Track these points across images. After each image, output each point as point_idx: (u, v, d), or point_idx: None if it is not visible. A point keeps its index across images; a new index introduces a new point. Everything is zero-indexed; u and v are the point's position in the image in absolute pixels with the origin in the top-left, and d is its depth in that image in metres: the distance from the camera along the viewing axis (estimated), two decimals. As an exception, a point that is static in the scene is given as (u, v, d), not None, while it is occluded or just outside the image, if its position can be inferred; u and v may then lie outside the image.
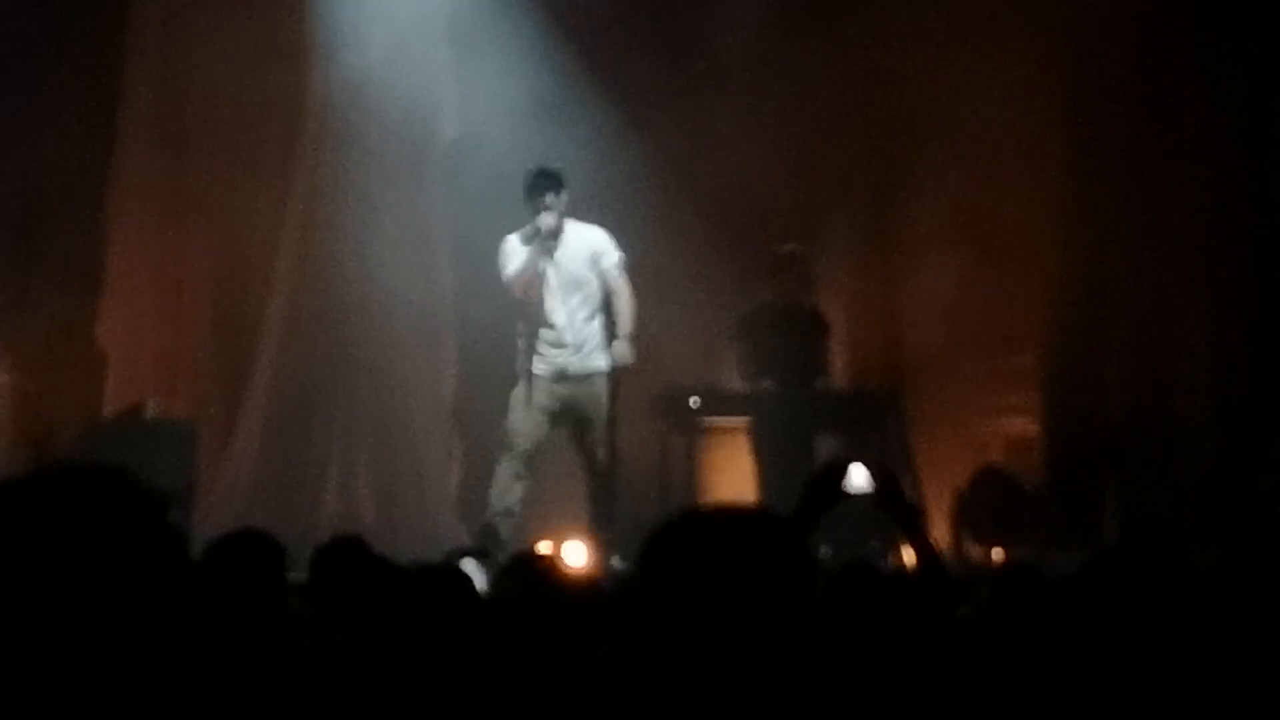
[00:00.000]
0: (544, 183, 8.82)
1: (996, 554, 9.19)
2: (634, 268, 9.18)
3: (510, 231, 9.02)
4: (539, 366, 8.95)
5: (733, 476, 9.86)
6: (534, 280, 8.86)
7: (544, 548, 8.58)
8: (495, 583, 4.87)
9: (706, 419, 9.89)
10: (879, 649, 3.56)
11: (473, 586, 4.66)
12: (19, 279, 10.69)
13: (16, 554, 2.38)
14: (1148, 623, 3.68)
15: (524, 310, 8.97)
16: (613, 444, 8.93)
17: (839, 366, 10.41)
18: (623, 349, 8.86)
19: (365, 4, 10.53)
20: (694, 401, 9.79)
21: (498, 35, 10.56)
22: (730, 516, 2.54)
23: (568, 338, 8.93)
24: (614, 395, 8.93)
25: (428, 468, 10.67)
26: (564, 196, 8.84)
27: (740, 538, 2.46)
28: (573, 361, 8.93)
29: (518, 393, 8.97)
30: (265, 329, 10.74)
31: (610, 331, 8.98)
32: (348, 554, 4.95)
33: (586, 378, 8.94)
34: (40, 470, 2.54)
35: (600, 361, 8.95)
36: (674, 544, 2.48)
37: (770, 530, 2.49)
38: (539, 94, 10.42)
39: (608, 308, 9.00)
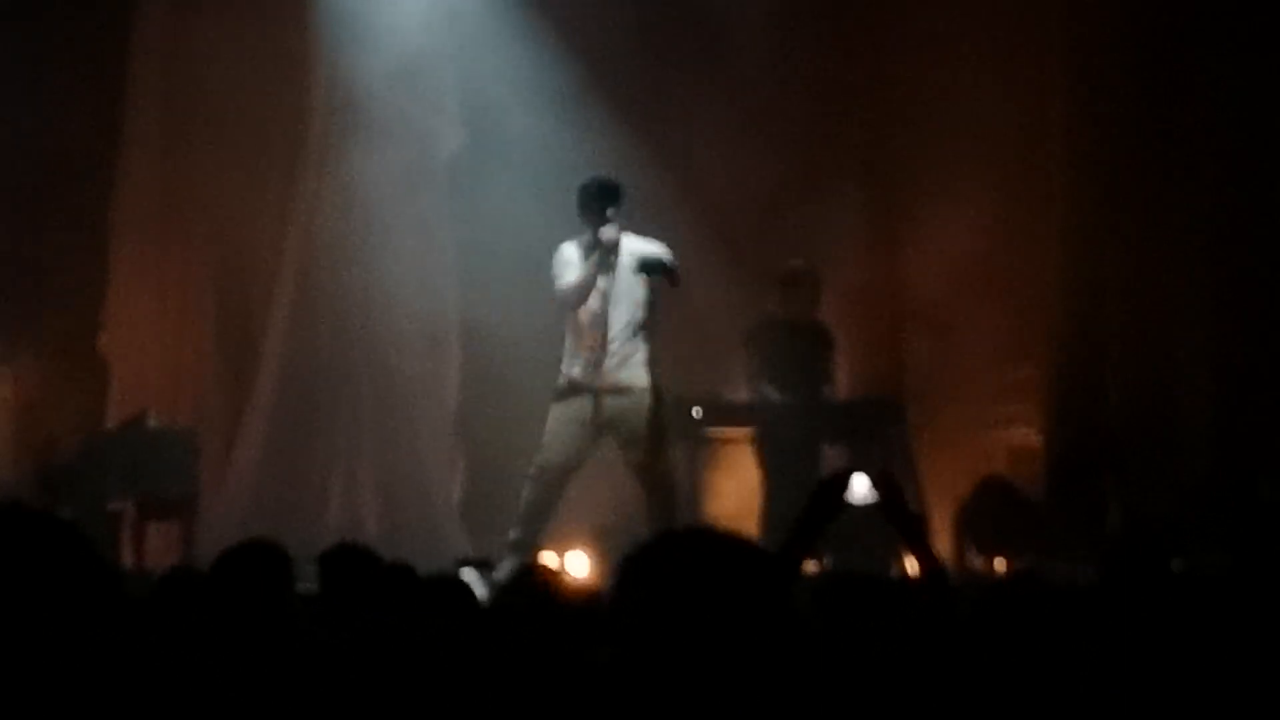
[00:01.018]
0: (606, 195, 8.72)
1: (999, 564, 9.18)
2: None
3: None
4: (581, 378, 8.78)
5: (736, 487, 9.84)
6: (589, 293, 8.73)
7: (548, 558, 8.59)
8: (497, 594, 4.88)
9: (710, 429, 9.88)
10: (880, 658, 3.58)
11: (473, 596, 4.68)
12: (22, 288, 10.71)
13: None
14: (1150, 628, 3.70)
15: (573, 323, 8.80)
16: (665, 457, 8.85)
17: (843, 377, 10.40)
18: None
19: (370, 10, 10.54)
20: (697, 412, 9.78)
21: (503, 42, 10.58)
22: (702, 540, 2.56)
23: (614, 349, 8.76)
24: (658, 408, 8.84)
25: (431, 476, 10.67)
26: (623, 209, 8.74)
27: (710, 562, 2.48)
28: (618, 375, 8.76)
29: (559, 406, 8.80)
30: (268, 337, 10.76)
31: (651, 346, 8.88)
32: (353, 559, 4.98)
33: (628, 390, 8.79)
34: None
35: (642, 375, 8.80)
36: (644, 568, 2.51)
37: (742, 555, 2.50)
38: (544, 101, 10.44)
39: (648, 323, 8.87)
